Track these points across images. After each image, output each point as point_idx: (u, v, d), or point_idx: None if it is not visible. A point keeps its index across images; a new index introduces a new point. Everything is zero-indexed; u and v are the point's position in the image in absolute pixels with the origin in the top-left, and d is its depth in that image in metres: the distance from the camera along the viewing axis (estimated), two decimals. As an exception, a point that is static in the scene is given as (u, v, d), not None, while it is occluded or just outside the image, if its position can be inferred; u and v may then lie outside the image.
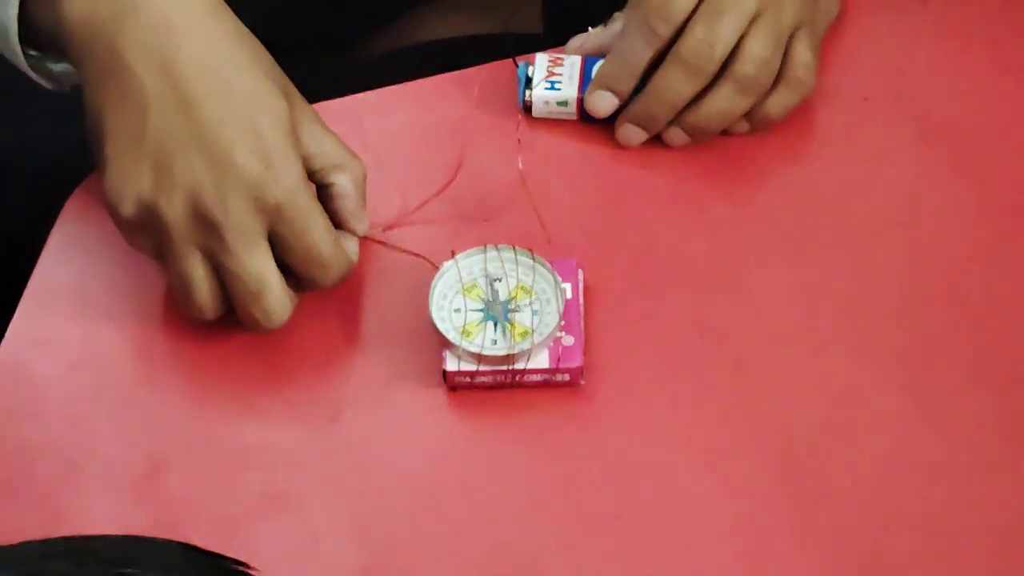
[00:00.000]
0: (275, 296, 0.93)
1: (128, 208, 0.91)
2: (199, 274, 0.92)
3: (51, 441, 0.95)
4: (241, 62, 0.93)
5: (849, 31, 1.09)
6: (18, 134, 1.07)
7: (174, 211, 0.90)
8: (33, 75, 0.99)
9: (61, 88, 1.00)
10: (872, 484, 0.90)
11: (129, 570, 0.61)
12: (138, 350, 0.98)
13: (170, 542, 0.65)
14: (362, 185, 0.97)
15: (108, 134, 0.92)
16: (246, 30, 0.95)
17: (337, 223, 0.96)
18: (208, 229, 0.90)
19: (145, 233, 0.93)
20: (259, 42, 0.95)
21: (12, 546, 0.66)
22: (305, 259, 0.93)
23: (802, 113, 1.05)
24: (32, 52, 0.98)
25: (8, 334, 0.98)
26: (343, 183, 0.95)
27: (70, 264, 1.01)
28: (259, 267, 0.91)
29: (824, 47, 1.05)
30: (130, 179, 0.92)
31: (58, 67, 1.00)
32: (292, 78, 0.97)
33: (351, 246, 0.96)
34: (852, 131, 1.05)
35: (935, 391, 0.93)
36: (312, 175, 0.95)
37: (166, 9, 0.92)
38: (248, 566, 0.65)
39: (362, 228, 0.97)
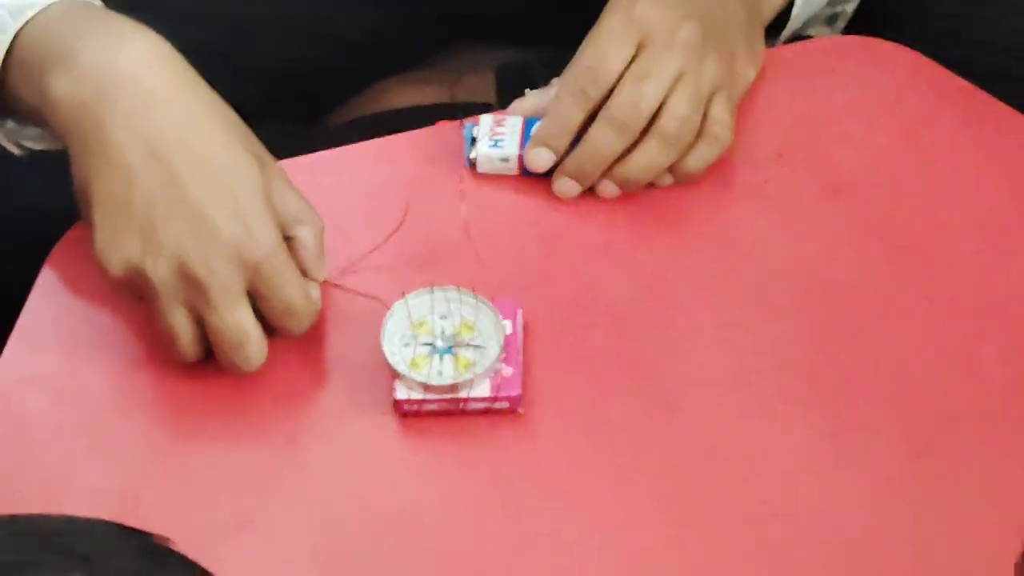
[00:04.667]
0: (254, 346, 0.92)
1: (117, 270, 0.90)
2: (183, 327, 0.91)
3: (34, 470, 0.92)
4: (217, 133, 0.92)
5: (764, 94, 1.09)
6: (9, 193, 1.05)
7: (160, 272, 0.89)
8: (3, 141, 0.97)
9: (23, 154, 0.98)
10: (783, 505, 0.89)
11: (65, 540, 0.61)
12: (116, 384, 0.96)
13: (104, 521, 0.64)
14: (321, 237, 0.95)
15: (96, 202, 0.90)
16: (221, 102, 0.94)
17: (299, 271, 0.94)
18: (193, 287, 0.89)
19: (132, 289, 0.91)
20: (233, 112, 0.94)
21: None
22: (281, 312, 0.92)
23: (720, 168, 1.04)
24: (11, 124, 0.97)
25: None
26: (304, 236, 0.94)
27: (55, 305, 0.99)
28: (240, 321, 0.91)
29: (741, 108, 1.05)
30: (118, 244, 0.91)
31: (28, 139, 0.98)
32: (264, 142, 0.95)
33: (314, 293, 0.94)
34: (766, 185, 1.04)
35: (843, 421, 0.92)
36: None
37: (148, 87, 0.91)
38: (172, 542, 0.64)
39: (322, 275, 0.95)
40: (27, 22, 0.93)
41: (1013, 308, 0.97)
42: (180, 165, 0.90)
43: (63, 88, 0.91)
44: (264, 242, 0.90)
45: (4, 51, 0.93)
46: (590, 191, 1.01)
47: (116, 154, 0.90)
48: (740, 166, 1.04)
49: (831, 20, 1.16)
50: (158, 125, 0.91)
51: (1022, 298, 0.98)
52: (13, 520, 0.68)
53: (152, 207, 0.89)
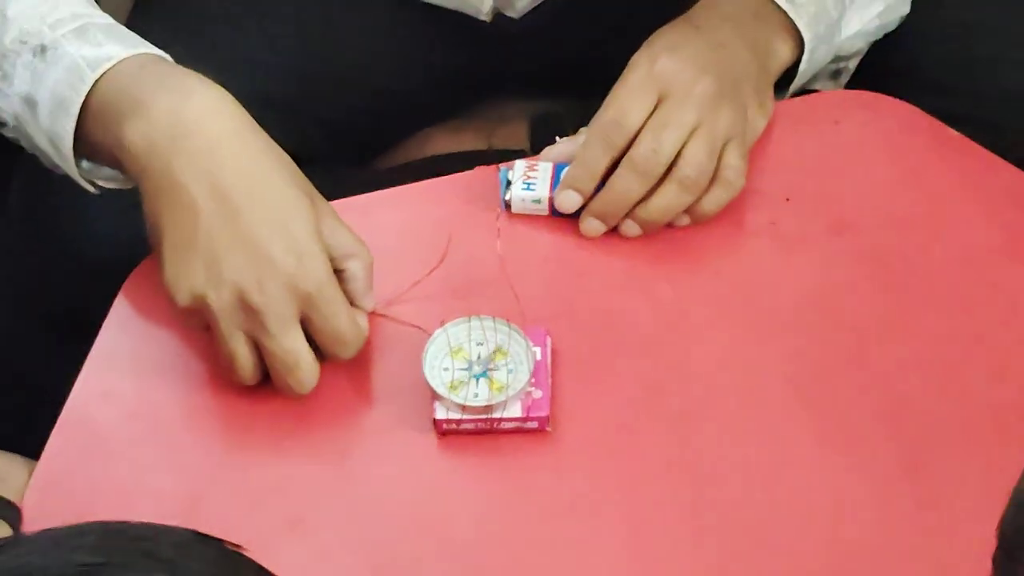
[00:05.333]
0: (307, 369, 0.94)
1: (183, 299, 0.93)
2: (243, 352, 0.93)
3: (110, 476, 0.95)
4: (274, 175, 0.95)
5: (774, 143, 1.10)
6: (87, 223, 1.09)
7: (222, 301, 0.92)
8: (81, 180, 1.00)
9: (97, 191, 1.01)
10: (788, 516, 0.91)
11: (150, 544, 0.63)
12: (182, 401, 0.98)
13: (183, 528, 0.66)
14: (370, 270, 0.97)
15: (165, 237, 0.93)
16: (277, 147, 0.97)
17: (349, 301, 0.96)
18: (251, 315, 0.92)
19: (196, 316, 0.94)
20: (287, 156, 0.97)
21: (46, 530, 0.68)
22: (331, 339, 0.94)
23: (734, 209, 1.05)
24: (86, 164, 1.00)
25: (75, 388, 0.97)
26: (354, 268, 0.97)
27: (129, 330, 1.01)
28: (294, 346, 0.93)
29: (752, 155, 1.07)
30: (185, 275, 0.93)
31: (104, 179, 1.01)
32: (320, 183, 0.98)
33: (362, 322, 0.96)
34: (775, 225, 1.05)
35: (843, 440, 0.94)
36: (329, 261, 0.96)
37: (212, 134, 0.94)
38: (244, 548, 0.66)
39: (370, 305, 0.98)
40: (103, 74, 0.96)
41: (997, 336, 0.99)
42: (240, 203, 0.93)
43: (136, 134, 0.94)
44: (315, 274, 0.92)
45: (82, 100, 0.96)
46: (614, 230, 1.03)
47: (183, 194, 0.93)
48: (752, 208, 1.06)
49: (835, 75, 1.18)
50: (221, 167, 0.93)
51: (1005, 327, 0.99)
52: (104, 525, 0.72)
53: (215, 241, 0.92)
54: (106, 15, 1.00)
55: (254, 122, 0.97)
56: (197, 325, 0.95)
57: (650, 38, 1.05)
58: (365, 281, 0.98)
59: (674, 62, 1.02)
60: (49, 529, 0.68)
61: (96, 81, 0.96)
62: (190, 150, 0.93)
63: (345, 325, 0.94)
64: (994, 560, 0.64)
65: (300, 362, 0.93)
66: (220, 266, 0.92)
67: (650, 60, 1.02)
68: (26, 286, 1.14)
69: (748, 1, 1.08)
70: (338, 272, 0.96)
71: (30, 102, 0.97)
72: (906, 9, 1.16)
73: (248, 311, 0.92)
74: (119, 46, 0.97)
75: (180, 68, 0.98)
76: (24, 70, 0.97)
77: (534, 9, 1.23)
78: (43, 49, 0.97)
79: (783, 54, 1.09)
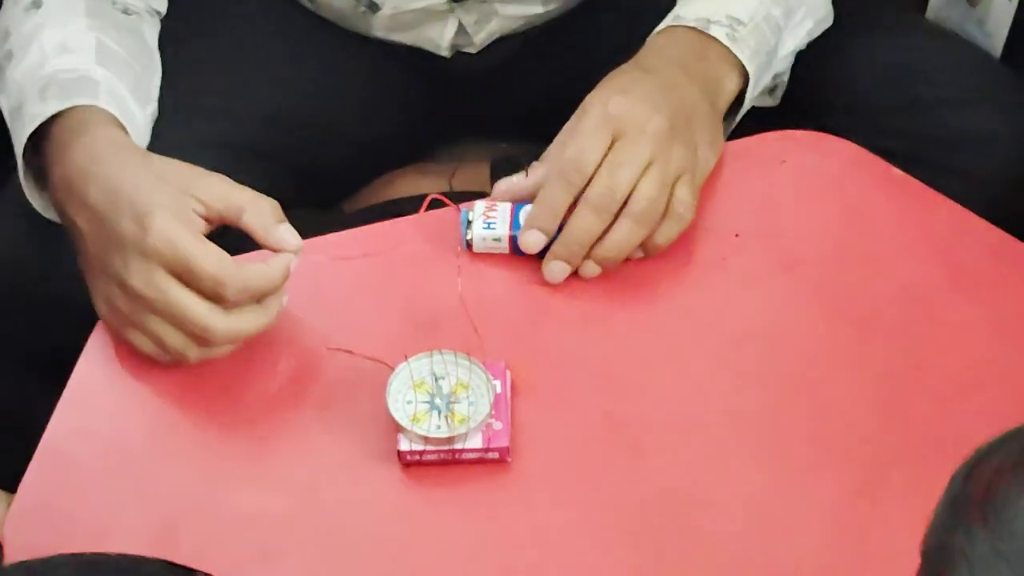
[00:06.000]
0: (202, 314, 0.95)
1: (100, 311, 0.99)
2: (162, 328, 0.96)
3: (85, 509, 0.95)
4: (129, 178, 0.98)
5: (725, 181, 1.11)
6: (61, 266, 1.08)
7: (116, 297, 0.97)
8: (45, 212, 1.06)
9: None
10: (741, 538, 0.92)
11: (125, 574, 0.65)
12: (154, 436, 0.99)
13: (155, 559, 0.68)
14: (267, 214, 0.98)
15: (84, 272, 1.00)
16: (144, 158, 1.01)
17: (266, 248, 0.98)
18: (135, 295, 0.96)
19: (126, 326, 0.98)
20: (160, 160, 1.00)
21: (23, 562, 0.69)
22: (205, 282, 0.95)
23: (686, 245, 1.06)
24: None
25: (51, 424, 0.98)
26: (248, 220, 0.98)
27: (101, 367, 1.02)
28: (179, 297, 0.95)
29: (703, 192, 1.07)
30: (95, 293, 0.99)
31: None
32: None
33: (281, 261, 0.97)
34: (725, 260, 1.06)
35: (791, 466, 0.95)
36: (224, 221, 0.98)
37: (85, 179, 0.99)
38: None
39: (290, 243, 0.98)
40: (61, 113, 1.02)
41: (936, 367, 1.00)
42: (104, 212, 0.97)
43: (52, 187, 1.02)
44: (159, 227, 0.95)
45: (22, 148, 1.03)
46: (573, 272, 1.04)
47: (76, 232, 0.99)
48: (703, 244, 1.06)
49: (772, 91, 1.19)
50: (89, 195, 0.98)
51: (947, 357, 1.00)
52: (78, 557, 0.72)
53: (97, 255, 0.98)
54: (85, 66, 1.06)
55: (127, 144, 1.02)
56: (134, 337, 0.98)
57: (602, 81, 1.06)
58: (264, 228, 0.97)
59: (627, 103, 1.03)
60: (24, 562, 0.70)
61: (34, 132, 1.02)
62: (73, 202, 0.99)
63: (210, 266, 0.95)
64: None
65: (190, 309, 0.95)
66: (104, 271, 0.97)
67: (603, 102, 1.03)
68: (5, 327, 1.15)
69: (692, 42, 1.09)
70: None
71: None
72: (831, 21, 1.18)
73: (134, 294, 0.96)
74: (51, 104, 1.03)
75: (79, 128, 1.02)
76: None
77: (493, 48, 1.25)
78: (20, 107, 1.04)
79: (730, 88, 1.10)
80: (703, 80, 1.08)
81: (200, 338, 0.96)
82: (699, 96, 1.07)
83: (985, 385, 0.99)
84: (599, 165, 1.02)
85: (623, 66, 1.07)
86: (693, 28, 1.09)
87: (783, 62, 1.15)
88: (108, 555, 0.71)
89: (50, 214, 1.05)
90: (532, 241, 1.02)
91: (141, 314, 0.96)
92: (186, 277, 0.95)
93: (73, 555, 0.70)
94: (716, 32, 1.09)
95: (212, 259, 0.95)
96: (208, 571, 0.88)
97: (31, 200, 1.05)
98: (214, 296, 0.95)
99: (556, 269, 1.03)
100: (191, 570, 0.69)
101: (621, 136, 1.02)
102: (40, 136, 1.03)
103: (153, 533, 0.93)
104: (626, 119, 1.02)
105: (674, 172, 1.02)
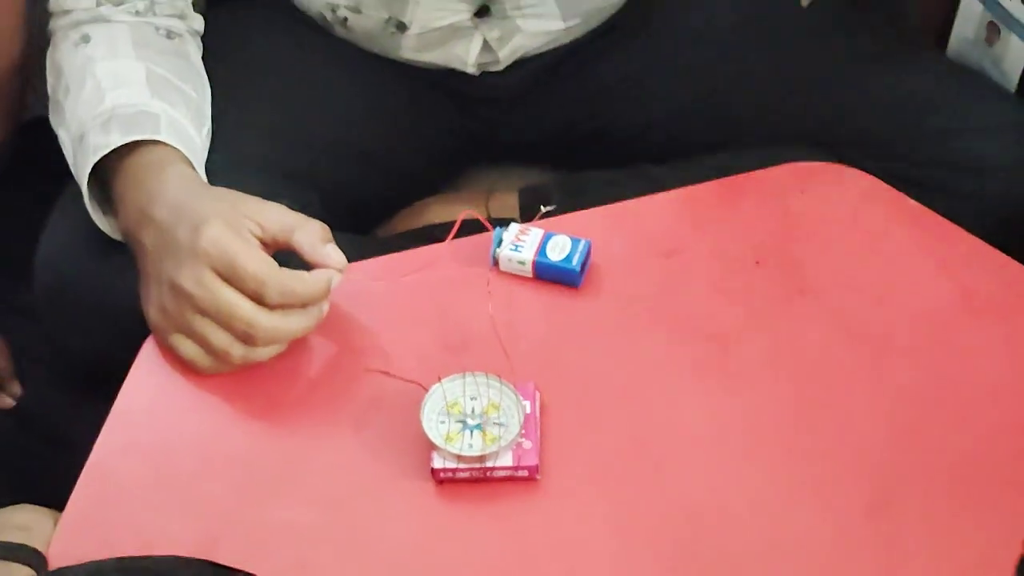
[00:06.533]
0: (249, 311, 0.99)
1: (151, 318, 1.02)
2: (209, 329, 0.99)
3: (130, 523, 0.96)
4: (191, 199, 1.02)
5: (745, 210, 1.12)
6: (109, 287, 1.11)
7: (167, 300, 1.00)
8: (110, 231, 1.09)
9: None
10: (762, 552, 0.93)
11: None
12: (199, 450, 1.00)
13: (201, 560, 0.69)
14: (317, 234, 1.01)
15: (141, 286, 1.03)
16: (206, 186, 1.05)
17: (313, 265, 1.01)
18: (185, 296, 0.99)
19: (173, 331, 1.01)
20: (220, 189, 1.04)
21: (71, 567, 0.71)
22: (248, 284, 0.99)
23: (707, 272, 1.07)
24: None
25: (99, 441, 1.00)
26: (299, 239, 1.01)
27: (147, 386, 1.04)
28: (228, 297, 0.98)
29: (725, 221, 1.09)
30: (146, 299, 1.02)
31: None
32: None
33: (322, 276, 1.00)
34: (747, 287, 1.07)
35: (811, 483, 0.96)
36: (277, 243, 1.01)
37: (155, 204, 1.03)
38: None
39: (334, 261, 1.01)
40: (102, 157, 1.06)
41: (948, 389, 1.00)
42: (166, 223, 1.01)
43: (123, 216, 1.05)
44: (209, 235, 0.99)
45: (87, 176, 1.06)
46: (590, 294, 1.06)
47: (139, 247, 1.03)
48: (725, 270, 1.08)
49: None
50: (156, 215, 1.02)
51: (957, 381, 1.01)
52: (120, 561, 0.74)
53: (156, 264, 1.01)
54: (142, 100, 1.10)
55: (195, 178, 1.06)
56: (176, 343, 1.01)
57: None
58: (312, 246, 1.01)
59: None
60: (67, 568, 0.70)
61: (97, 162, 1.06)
62: (142, 224, 1.03)
63: (253, 266, 0.98)
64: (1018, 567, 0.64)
65: (236, 305, 0.98)
66: (158, 277, 1.01)
67: None
68: (56, 345, 1.18)
69: None
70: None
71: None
72: None
73: (184, 295, 0.99)
74: (112, 137, 1.07)
75: (143, 159, 1.06)
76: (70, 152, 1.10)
77: (519, 69, 1.28)
78: (82, 138, 1.09)
79: None
80: None
81: (244, 335, 0.98)
82: None
83: (996, 407, 1.00)
84: None
85: None
86: None
87: None
88: (152, 558, 0.73)
89: (110, 230, 1.09)
90: None
91: (189, 314, 0.99)
92: (232, 278, 0.98)
93: (115, 559, 0.73)
94: None
95: (255, 260, 0.98)
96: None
97: (96, 220, 1.09)
98: (257, 297, 0.98)
99: None
100: (235, 570, 0.70)
101: None
102: (101, 164, 1.07)
103: (197, 543, 0.94)
104: None
105: None
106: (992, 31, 1.32)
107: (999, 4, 1.31)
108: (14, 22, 1.17)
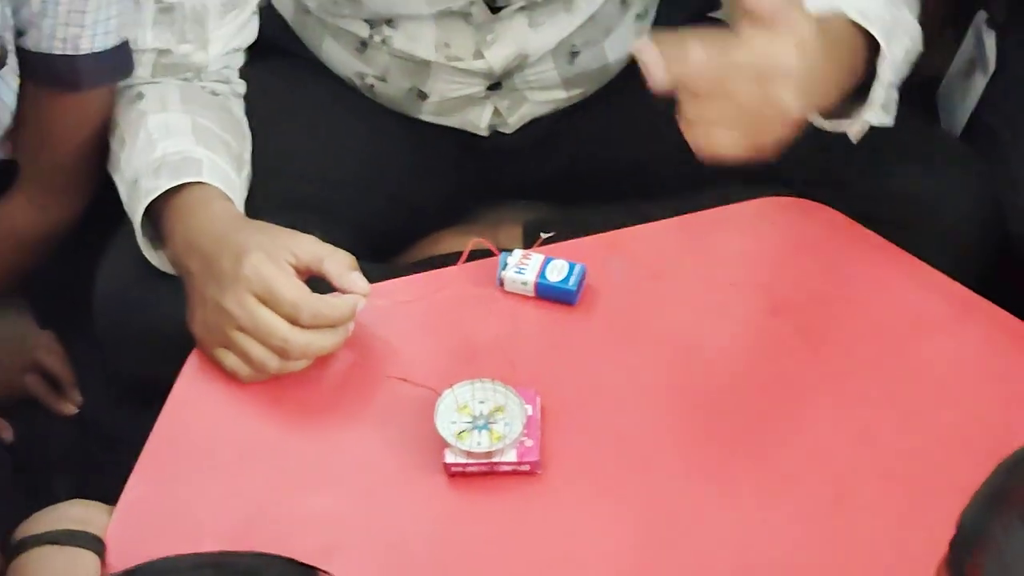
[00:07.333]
0: (284, 329, 1.02)
1: (196, 332, 1.07)
2: (247, 344, 1.04)
3: (177, 511, 0.99)
4: (233, 232, 1.07)
5: (721, 241, 1.15)
6: (159, 310, 1.16)
7: (210, 316, 1.05)
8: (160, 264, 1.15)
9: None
10: (729, 543, 0.95)
11: (260, 573, 0.68)
12: (238, 447, 1.04)
13: (283, 557, 0.71)
14: (345, 264, 1.06)
15: (189, 307, 1.08)
16: (246, 220, 1.10)
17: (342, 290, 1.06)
18: (227, 314, 1.03)
19: (217, 345, 1.06)
20: (260, 223, 1.09)
21: (169, 558, 0.71)
22: (284, 308, 1.03)
23: (687, 295, 1.10)
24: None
25: (149, 441, 1.03)
26: (328, 267, 1.06)
27: (191, 393, 1.07)
28: (265, 317, 1.03)
29: (705, 251, 1.12)
30: (192, 319, 1.07)
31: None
32: None
33: (348, 301, 1.04)
34: (723, 307, 1.10)
35: (781, 480, 0.98)
36: (310, 270, 1.05)
37: (202, 240, 1.08)
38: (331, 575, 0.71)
39: (359, 288, 1.05)
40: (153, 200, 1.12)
41: (901, 397, 1.05)
42: (210, 252, 1.06)
43: (170, 249, 1.11)
44: (250, 261, 1.04)
45: (140, 217, 1.12)
46: (583, 311, 1.09)
47: (187, 274, 1.08)
48: (704, 293, 1.11)
49: (886, 107, 1.10)
50: (204, 246, 1.07)
51: (911, 387, 1.05)
52: (216, 557, 0.73)
53: (201, 287, 1.06)
54: (187, 148, 1.15)
55: (235, 213, 1.11)
56: (222, 356, 1.06)
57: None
58: (339, 274, 1.06)
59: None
60: (167, 559, 0.72)
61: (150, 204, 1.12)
62: (189, 254, 1.09)
63: (289, 291, 1.03)
64: (951, 544, 0.67)
65: (273, 325, 1.03)
66: (204, 299, 1.06)
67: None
68: (112, 363, 1.23)
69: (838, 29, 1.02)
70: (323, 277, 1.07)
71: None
72: (920, 48, 1.12)
73: (227, 315, 1.04)
74: (163, 181, 1.12)
75: (190, 197, 1.12)
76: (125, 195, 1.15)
77: (525, 128, 1.33)
78: (135, 183, 1.15)
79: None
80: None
81: (280, 350, 1.04)
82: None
83: (943, 414, 1.03)
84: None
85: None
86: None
87: (893, 71, 1.08)
88: (241, 555, 0.74)
89: (159, 263, 1.14)
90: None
91: (232, 331, 1.04)
92: (270, 302, 1.03)
93: (211, 555, 0.72)
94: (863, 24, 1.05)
95: (291, 287, 1.04)
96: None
97: (147, 255, 1.15)
98: (292, 318, 1.03)
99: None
100: (312, 568, 0.72)
101: None
102: (151, 204, 1.13)
103: (236, 530, 0.98)
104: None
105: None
106: (971, 67, 1.36)
107: (982, 42, 1.35)
108: (109, 99, 1.24)
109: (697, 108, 0.95)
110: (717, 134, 0.95)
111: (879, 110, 1.09)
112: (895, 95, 1.11)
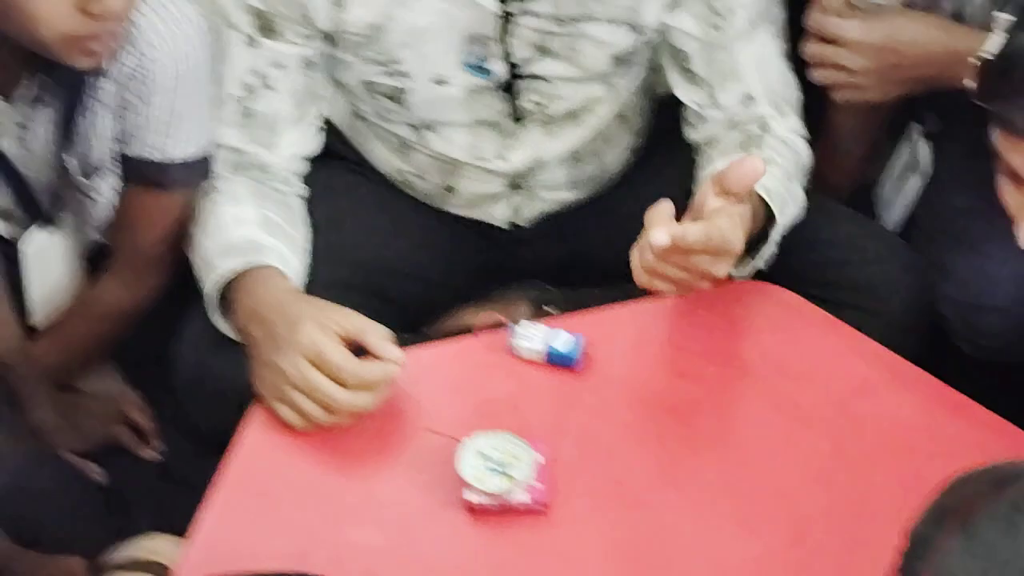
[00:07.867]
0: (330, 388, 1.12)
1: (266, 394, 1.16)
2: (301, 400, 1.14)
3: (240, 543, 1.06)
4: (289, 308, 1.18)
5: (696, 320, 1.23)
6: (227, 370, 1.26)
7: (274, 376, 1.15)
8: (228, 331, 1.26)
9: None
10: (705, 571, 1.04)
11: None
12: (293, 485, 1.12)
13: None
14: (379, 336, 1.15)
15: (253, 367, 1.19)
16: (301, 297, 1.22)
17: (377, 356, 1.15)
18: (283, 375, 1.14)
19: (275, 399, 1.16)
20: (314, 300, 1.20)
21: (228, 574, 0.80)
22: (335, 374, 1.12)
23: (671, 360, 1.20)
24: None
25: (218, 477, 1.11)
26: (368, 339, 1.16)
27: (257, 437, 1.15)
28: (314, 379, 1.13)
29: (685, 326, 1.21)
30: (258, 382, 1.17)
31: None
32: None
33: (384, 367, 1.14)
34: (699, 372, 1.19)
35: (751, 519, 1.07)
36: (354, 340, 1.16)
37: (265, 312, 1.20)
38: None
39: (394, 356, 1.15)
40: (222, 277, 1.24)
41: (851, 451, 1.14)
42: (271, 321, 1.17)
43: (236, 321, 1.22)
44: (305, 331, 1.14)
45: (216, 297, 1.24)
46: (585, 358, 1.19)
47: (252, 341, 1.19)
48: (683, 360, 1.21)
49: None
50: (267, 318, 1.18)
51: (862, 441, 1.14)
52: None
53: (264, 354, 1.17)
54: (254, 234, 1.27)
55: (293, 289, 1.22)
56: (279, 409, 1.16)
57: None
58: (377, 344, 1.16)
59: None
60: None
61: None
62: (253, 322, 1.20)
63: (336, 357, 1.14)
64: (903, 554, 0.72)
65: (322, 385, 1.14)
66: (265, 361, 1.17)
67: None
68: (189, 416, 1.34)
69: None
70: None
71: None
72: (802, 216, 1.30)
73: (283, 375, 1.14)
74: (233, 262, 1.25)
75: (255, 276, 1.24)
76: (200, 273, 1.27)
77: (536, 223, 1.45)
78: (209, 263, 1.27)
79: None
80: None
81: (327, 406, 1.15)
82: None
83: (886, 464, 1.12)
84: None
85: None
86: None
87: (780, 232, 1.27)
88: (297, 574, 0.85)
89: (228, 331, 1.26)
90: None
91: (287, 389, 1.16)
92: (320, 365, 1.15)
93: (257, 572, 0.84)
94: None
95: (338, 353, 1.16)
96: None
97: (217, 324, 1.26)
98: (338, 380, 1.15)
99: None
100: None
101: None
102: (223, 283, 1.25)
103: (291, 556, 1.06)
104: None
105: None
106: (904, 172, 1.46)
107: (916, 150, 1.45)
108: (191, 197, 1.37)
109: (660, 266, 1.14)
110: (660, 286, 1.16)
111: (763, 260, 1.28)
112: (775, 248, 1.29)
